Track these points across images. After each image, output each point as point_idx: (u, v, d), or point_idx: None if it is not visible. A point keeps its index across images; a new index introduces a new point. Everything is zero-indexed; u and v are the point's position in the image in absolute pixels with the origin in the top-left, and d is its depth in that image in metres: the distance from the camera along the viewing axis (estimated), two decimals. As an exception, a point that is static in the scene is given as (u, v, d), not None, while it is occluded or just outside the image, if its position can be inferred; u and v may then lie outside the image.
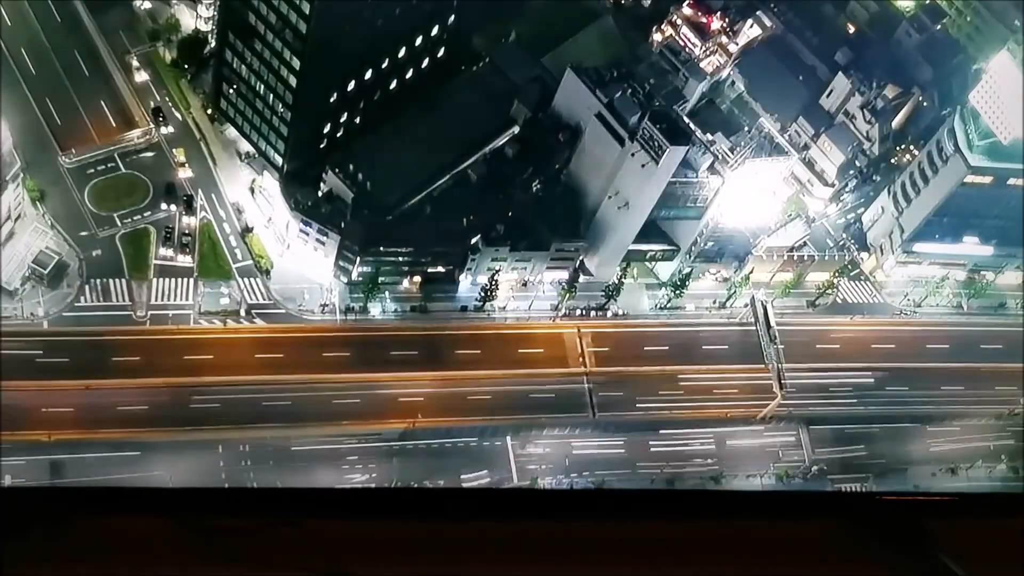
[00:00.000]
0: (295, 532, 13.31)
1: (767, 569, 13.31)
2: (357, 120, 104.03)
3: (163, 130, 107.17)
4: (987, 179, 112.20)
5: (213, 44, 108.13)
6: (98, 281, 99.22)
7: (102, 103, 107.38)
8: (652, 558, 13.40)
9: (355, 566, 13.31)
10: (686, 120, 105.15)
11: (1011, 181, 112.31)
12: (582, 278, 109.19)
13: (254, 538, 13.19)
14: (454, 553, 13.46)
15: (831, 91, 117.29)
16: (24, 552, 12.57)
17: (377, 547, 13.47)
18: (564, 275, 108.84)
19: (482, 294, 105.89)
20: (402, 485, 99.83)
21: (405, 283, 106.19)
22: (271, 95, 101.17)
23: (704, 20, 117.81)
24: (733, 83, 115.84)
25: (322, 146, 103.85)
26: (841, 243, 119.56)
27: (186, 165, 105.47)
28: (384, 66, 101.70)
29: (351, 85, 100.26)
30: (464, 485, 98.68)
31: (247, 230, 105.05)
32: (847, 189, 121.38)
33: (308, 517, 13.51)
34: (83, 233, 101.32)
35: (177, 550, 13.12)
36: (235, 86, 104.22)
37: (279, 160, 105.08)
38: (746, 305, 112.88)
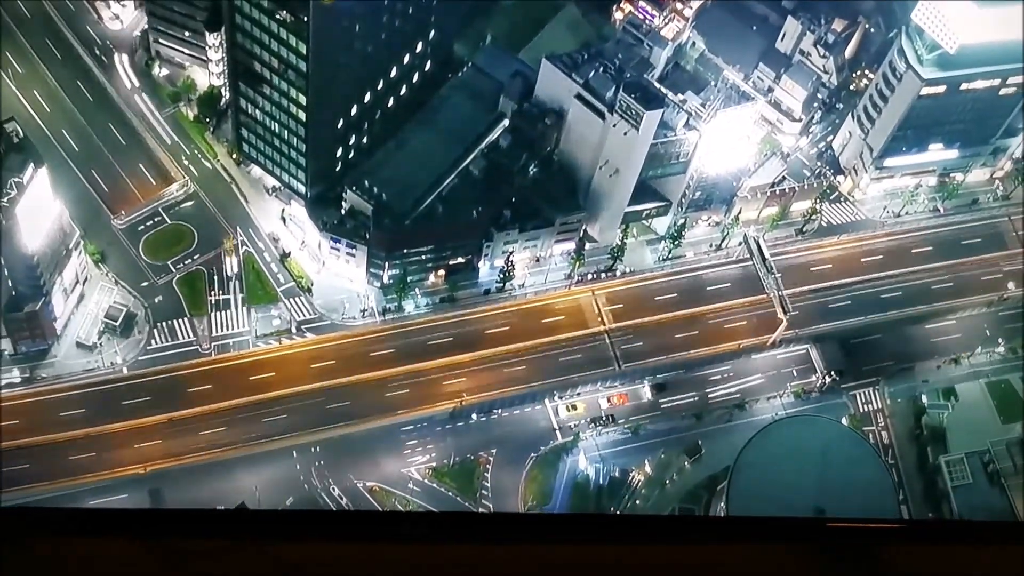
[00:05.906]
0: (262, 555, 12.71)
1: None
2: (365, 140, 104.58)
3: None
4: (941, 88, 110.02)
5: (228, 96, 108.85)
6: (164, 324, 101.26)
7: (140, 166, 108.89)
8: None
9: None
10: (657, 86, 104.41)
11: (963, 86, 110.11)
12: (588, 245, 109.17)
13: (219, 561, 12.50)
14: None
15: (784, 35, 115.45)
16: None
17: (342, 570, 13.08)
18: (571, 245, 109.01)
19: (501, 276, 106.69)
20: (459, 460, 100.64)
21: (431, 278, 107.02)
22: (286, 131, 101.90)
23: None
24: (694, 44, 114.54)
25: (338, 169, 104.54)
26: (817, 171, 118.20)
27: (233, 251, 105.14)
28: (380, 87, 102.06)
29: (354, 110, 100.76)
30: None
31: (285, 255, 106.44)
32: (814, 121, 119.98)
33: (273, 540, 12.96)
34: (144, 284, 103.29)
35: (140, 573, 12.18)
36: (253, 129, 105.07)
37: (302, 188, 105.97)
38: (740, 243, 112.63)
